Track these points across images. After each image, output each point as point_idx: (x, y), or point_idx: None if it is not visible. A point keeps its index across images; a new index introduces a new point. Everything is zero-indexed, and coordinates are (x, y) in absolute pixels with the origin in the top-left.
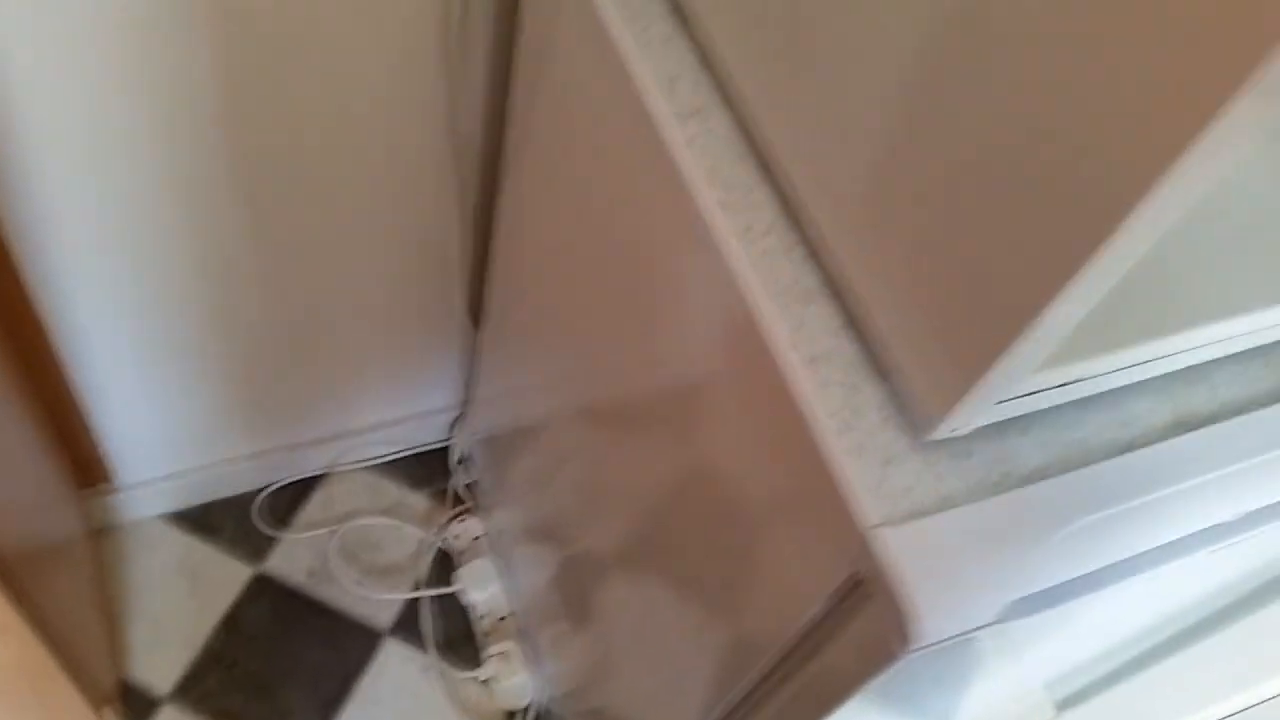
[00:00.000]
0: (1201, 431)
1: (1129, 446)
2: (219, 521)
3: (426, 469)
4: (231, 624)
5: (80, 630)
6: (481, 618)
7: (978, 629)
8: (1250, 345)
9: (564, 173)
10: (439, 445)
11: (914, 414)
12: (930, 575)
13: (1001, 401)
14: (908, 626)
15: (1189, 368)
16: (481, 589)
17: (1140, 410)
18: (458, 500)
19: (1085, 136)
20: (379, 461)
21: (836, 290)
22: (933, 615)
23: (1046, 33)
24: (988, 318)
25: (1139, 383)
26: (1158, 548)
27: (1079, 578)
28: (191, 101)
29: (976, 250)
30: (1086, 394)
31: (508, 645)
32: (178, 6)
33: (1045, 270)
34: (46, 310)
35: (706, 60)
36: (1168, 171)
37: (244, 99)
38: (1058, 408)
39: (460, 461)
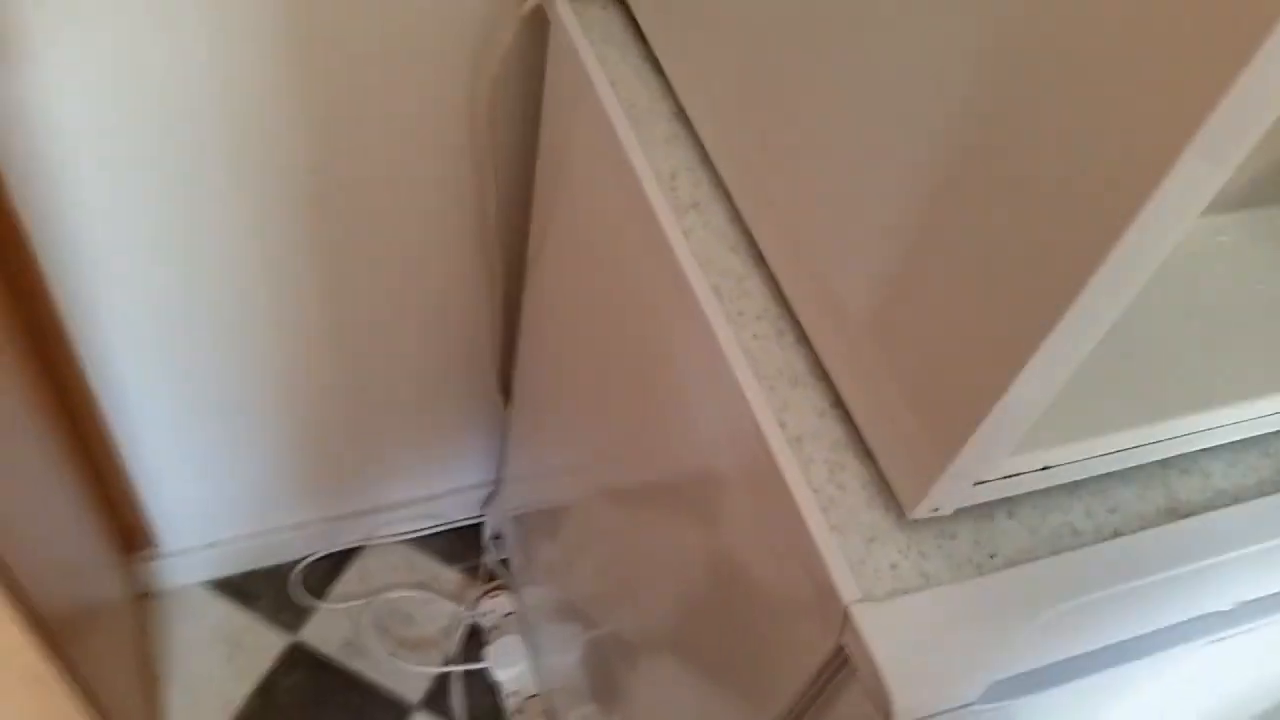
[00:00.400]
0: (1194, 519)
1: (1117, 532)
2: (258, 590)
3: (460, 544)
4: (266, 692)
5: (118, 690)
6: (510, 695)
7: (961, 708)
8: (1240, 435)
9: (580, 262)
10: (473, 521)
11: (897, 493)
12: (910, 653)
13: (980, 483)
14: (888, 703)
15: (1182, 456)
16: (510, 666)
17: (1129, 497)
18: (490, 577)
19: (1032, 233)
20: (414, 536)
21: (824, 373)
22: (912, 692)
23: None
24: (956, 402)
25: (1129, 469)
26: (1148, 634)
27: (1065, 661)
28: (266, 202)
29: (943, 340)
30: (1072, 479)
31: None
32: (274, 149)
33: (1004, 355)
34: (97, 381)
35: (705, 158)
36: (1104, 256)
37: (311, 200)
38: (1045, 492)
39: (493, 538)
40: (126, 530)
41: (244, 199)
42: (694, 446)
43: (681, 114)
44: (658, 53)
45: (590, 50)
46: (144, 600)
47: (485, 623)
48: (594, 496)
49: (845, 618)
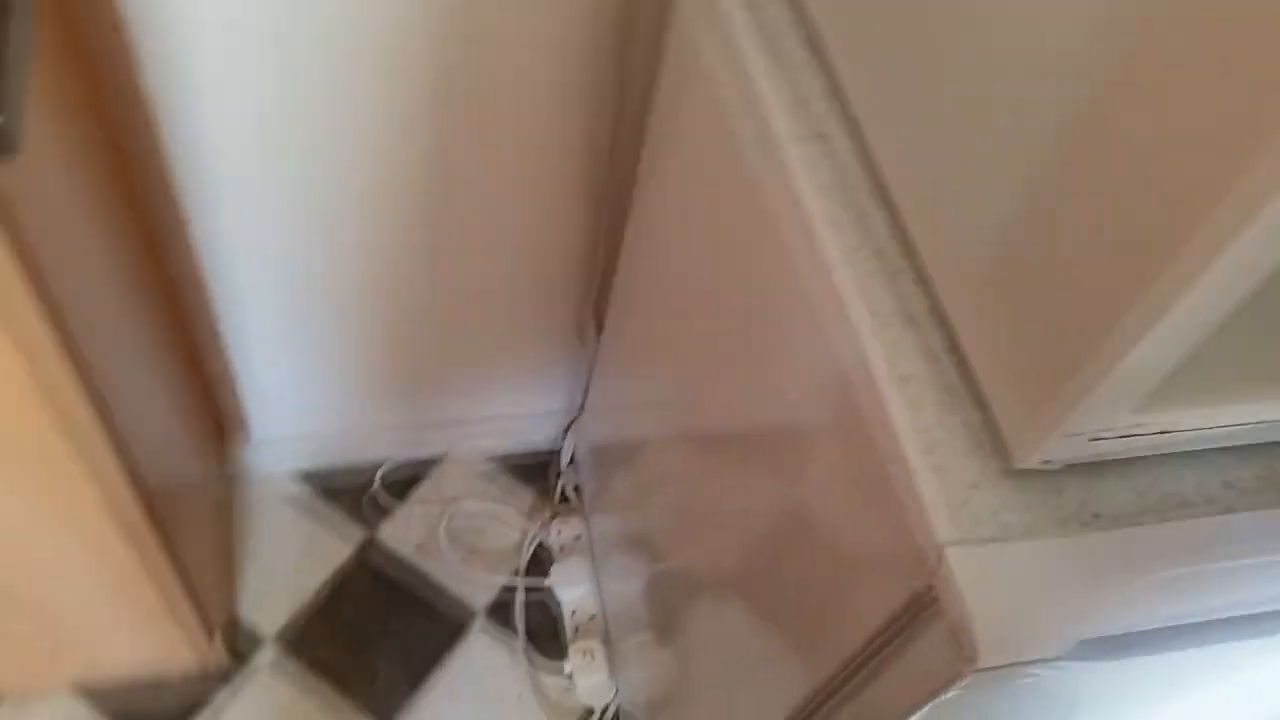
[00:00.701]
0: None
1: (1229, 508)
2: (340, 486)
3: (537, 466)
4: (340, 582)
5: (203, 562)
6: (571, 614)
7: (1047, 661)
8: None
9: (692, 189)
10: (552, 445)
11: (1007, 442)
12: (1001, 600)
13: (1095, 439)
14: (974, 648)
15: None
16: (574, 587)
17: (1247, 475)
18: (563, 500)
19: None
20: (494, 452)
21: (941, 316)
22: (999, 640)
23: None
24: (1080, 352)
25: (1252, 446)
26: (1249, 616)
27: (1159, 630)
28: (381, 105)
29: (1073, 287)
30: (1191, 447)
31: (593, 644)
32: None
33: (1136, 307)
34: (205, 271)
35: (835, 89)
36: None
37: (425, 112)
38: (1159, 459)
39: (569, 463)
40: (221, 415)
41: (361, 99)
42: (795, 382)
43: (813, 43)
44: None
45: None
46: (232, 483)
47: (554, 543)
48: (678, 432)
49: (939, 558)
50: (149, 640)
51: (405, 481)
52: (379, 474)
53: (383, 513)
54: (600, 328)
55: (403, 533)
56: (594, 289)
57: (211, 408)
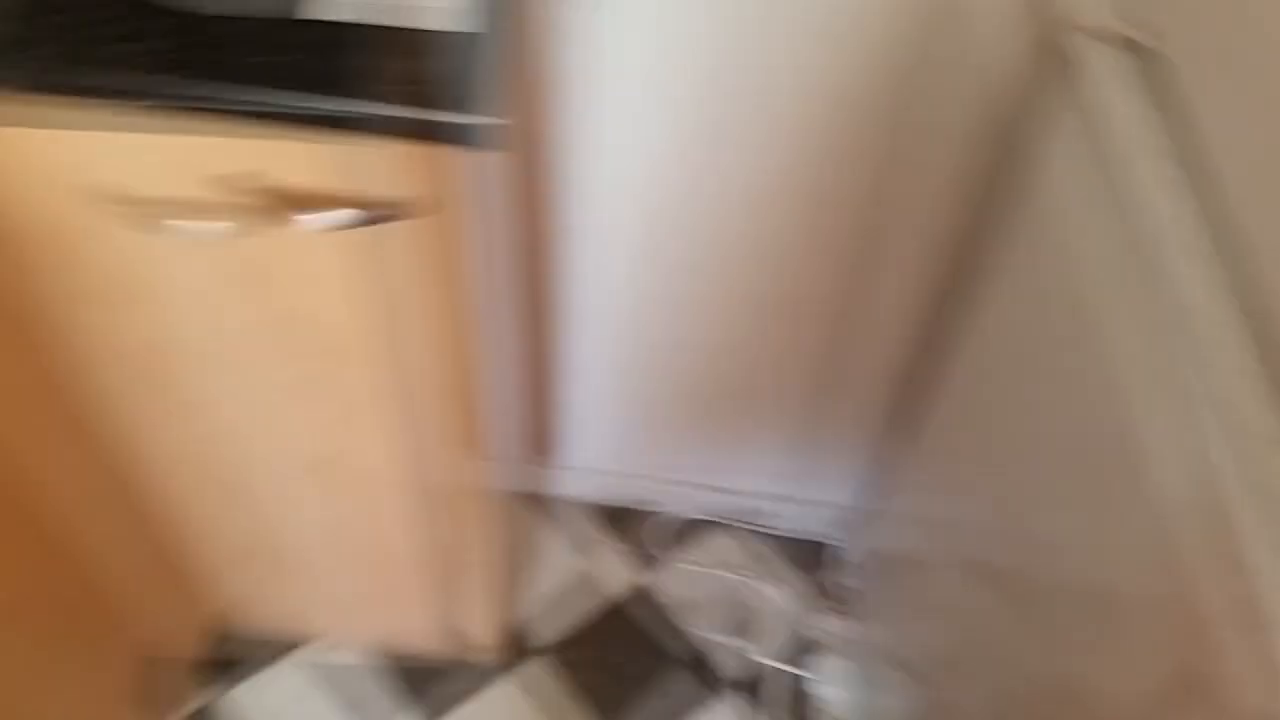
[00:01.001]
0: None
1: None
2: (626, 525)
3: (813, 555)
4: (612, 615)
5: (499, 563)
6: (827, 716)
7: None
8: None
9: (1037, 308)
10: (835, 538)
11: None
12: None
13: None
14: None
15: None
16: (837, 689)
17: None
18: (836, 597)
19: None
20: (771, 531)
21: None
22: None
23: None
24: None
25: None
26: None
27: None
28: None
29: None
30: None
31: None
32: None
33: None
34: (562, 313)
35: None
36: None
37: (777, 182)
38: None
39: (852, 563)
40: (540, 436)
41: (729, 166)
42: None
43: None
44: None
45: (1108, 100)
46: (534, 500)
47: (821, 638)
48: (976, 563)
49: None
50: (440, 622)
51: (682, 536)
52: (660, 522)
53: (656, 561)
54: (909, 430)
55: (673, 587)
56: (910, 388)
57: (536, 424)
